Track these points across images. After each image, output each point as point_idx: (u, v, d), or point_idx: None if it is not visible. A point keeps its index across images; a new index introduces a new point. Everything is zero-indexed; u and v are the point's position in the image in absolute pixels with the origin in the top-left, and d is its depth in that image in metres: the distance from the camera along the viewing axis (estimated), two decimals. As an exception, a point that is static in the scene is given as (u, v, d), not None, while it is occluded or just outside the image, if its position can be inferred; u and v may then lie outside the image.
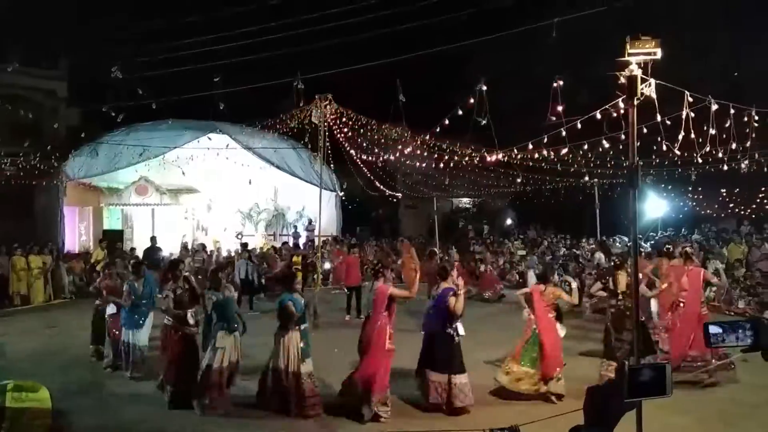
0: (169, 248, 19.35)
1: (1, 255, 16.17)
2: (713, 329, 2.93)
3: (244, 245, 16.63)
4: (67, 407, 7.31)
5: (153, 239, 18.67)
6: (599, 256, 16.72)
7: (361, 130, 15.19)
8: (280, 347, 7.17)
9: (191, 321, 7.76)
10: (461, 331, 7.29)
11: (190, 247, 20.21)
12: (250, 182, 21.92)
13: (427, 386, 7.22)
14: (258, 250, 19.67)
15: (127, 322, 8.99)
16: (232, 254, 17.84)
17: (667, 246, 12.15)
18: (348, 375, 7.32)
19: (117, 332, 9.17)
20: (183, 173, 20.46)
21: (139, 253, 16.87)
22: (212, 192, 22.82)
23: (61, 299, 16.57)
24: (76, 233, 20.64)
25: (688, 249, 10.11)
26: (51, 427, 6.70)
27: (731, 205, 24.32)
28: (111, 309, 9.38)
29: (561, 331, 8.07)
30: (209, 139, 19.43)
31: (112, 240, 18.94)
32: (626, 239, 19.20)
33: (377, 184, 19.53)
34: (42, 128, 20.43)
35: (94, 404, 7.71)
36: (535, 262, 17.82)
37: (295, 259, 16.47)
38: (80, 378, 8.89)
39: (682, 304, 8.86)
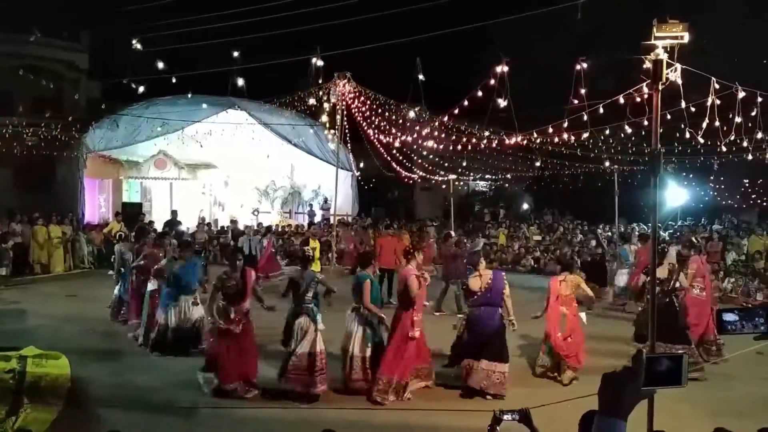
0: (187, 223, 19.55)
1: (23, 224, 16.44)
2: (728, 317, 2.81)
3: (269, 227, 16.88)
4: (84, 374, 7.47)
5: (174, 213, 18.82)
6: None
7: (379, 110, 15.08)
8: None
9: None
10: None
11: (207, 221, 20.39)
12: (268, 156, 21.96)
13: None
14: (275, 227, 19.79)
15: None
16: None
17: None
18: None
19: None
20: (201, 146, 20.56)
21: (158, 227, 17.02)
22: (229, 168, 22.92)
23: (80, 269, 16.87)
24: (96, 205, 20.91)
25: (693, 239, 10.26)
26: (69, 392, 6.90)
27: (753, 196, 23.92)
28: (152, 285, 9.04)
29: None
30: (227, 114, 19.48)
31: (130, 213, 19.14)
32: (645, 227, 18.97)
33: (393, 164, 19.45)
34: (63, 100, 20.62)
35: (110, 372, 7.85)
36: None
37: (312, 243, 15.80)
38: (97, 345, 9.05)
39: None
